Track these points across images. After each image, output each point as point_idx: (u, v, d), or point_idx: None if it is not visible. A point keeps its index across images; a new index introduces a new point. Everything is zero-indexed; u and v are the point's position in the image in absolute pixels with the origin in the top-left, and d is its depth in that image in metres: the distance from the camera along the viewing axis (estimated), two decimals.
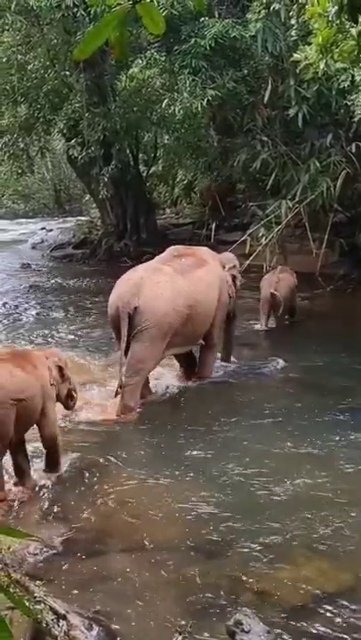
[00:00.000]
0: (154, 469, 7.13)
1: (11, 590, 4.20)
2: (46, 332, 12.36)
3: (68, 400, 7.30)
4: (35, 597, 4.49)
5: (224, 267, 9.97)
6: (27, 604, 4.25)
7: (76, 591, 5.12)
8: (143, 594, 5.13)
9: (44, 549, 5.61)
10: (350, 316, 13.06)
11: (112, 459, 7.37)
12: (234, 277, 10.14)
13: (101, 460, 7.32)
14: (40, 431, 6.80)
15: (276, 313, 12.30)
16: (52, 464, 6.97)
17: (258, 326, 12.18)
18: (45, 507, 6.42)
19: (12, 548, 5.35)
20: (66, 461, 7.12)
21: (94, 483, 6.88)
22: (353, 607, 4.95)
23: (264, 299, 12.10)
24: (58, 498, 6.57)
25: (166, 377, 9.85)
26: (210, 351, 9.89)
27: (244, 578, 5.25)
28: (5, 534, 2.23)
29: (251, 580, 5.22)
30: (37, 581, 4.93)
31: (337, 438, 7.71)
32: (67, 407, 7.45)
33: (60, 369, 6.99)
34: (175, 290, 9.01)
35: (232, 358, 10.46)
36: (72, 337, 11.93)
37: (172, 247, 10.05)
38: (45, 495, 6.61)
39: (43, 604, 4.46)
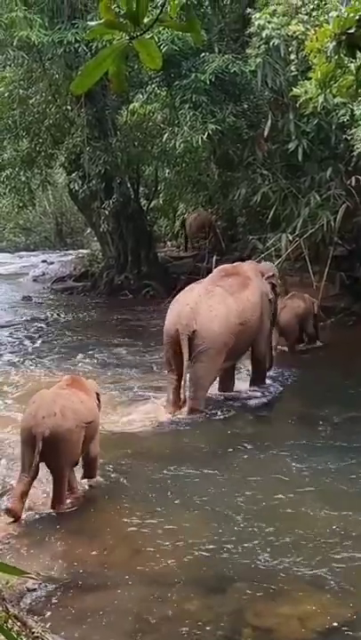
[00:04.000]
0: (154, 503, 7.09)
1: (8, 626, 4.17)
2: (47, 364, 12.35)
3: None
4: (32, 633, 4.46)
5: (263, 275, 10.79)
6: None
7: (74, 626, 5.08)
8: (143, 629, 5.09)
9: (43, 584, 5.55)
10: (351, 349, 13.04)
11: (112, 491, 7.33)
12: (273, 285, 11.15)
13: (102, 493, 7.29)
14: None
15: (287, 339, 12.83)
16: (92, 473, 7.42)
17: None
18: (44, 540, 6.36)
19: (10, 582, 5.30)
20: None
21: (94, 515, 6.85)
22: None
23: None
24: (57, 531, 6.52)
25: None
26: (259, 362, 10.86)
27: (245, 613, 5.21)
28: (1, 570, 2.20)
29: (251, 616, 5.17)
30: (35, 616, 4.89)
31: (341, 473, 7.66)
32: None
33: (98, 396, 7.58)
34: (227, 311, 9.89)
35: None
36: (73, 370, 11.89)
37: (220, 267, 11.04)
38: (45, 528, 6.56)
39: None
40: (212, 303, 9.84)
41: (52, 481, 6.94)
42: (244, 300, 10.16)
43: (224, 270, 10.70)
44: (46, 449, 6.64)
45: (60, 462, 6.84)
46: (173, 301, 10.19)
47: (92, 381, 7.95)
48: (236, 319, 9.92)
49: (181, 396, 9.71)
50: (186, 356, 9.52)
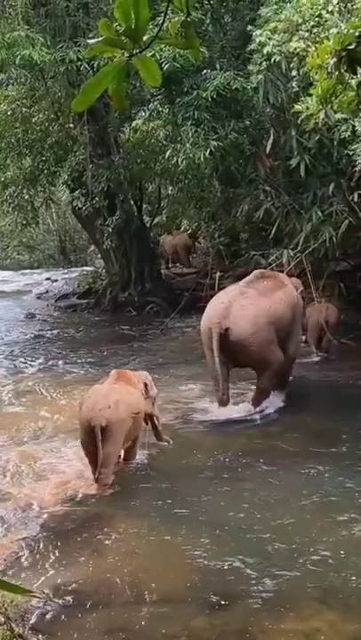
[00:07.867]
0: (161, 518, 7.07)
1: None
2: (51, 379, 12.34)
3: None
4: None
5: (297, 289, 11.37)
6: None
7: None
8: None
9: (48, 602, 5.53)
10: (355, 363, 13.04)
11: (117, 508, 7.31)
12: (304, 298, 11.88)
13: (106, 510, 7.27)
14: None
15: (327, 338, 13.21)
16: (131, 456, 8.37)
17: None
18: (49, 558, 6.34)
19: (14, 601, 5.28)
20: (69, 511, 7.08)
21: (99, 532, 6.82)
22: None
23: (313, 326, 13.03)
24: (62, 548, 6.50)
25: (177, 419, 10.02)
26: (287, 362, 10.83)
27: (251, 630, 5.17)
28: (5, 589, 2.20)
29: (257, 633, 5.14)
30: (40, 635, 4.87)
31: (351, 489, 7.63)
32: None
33: (145, 386, 8.41)
34: (258, 310, 10.19)
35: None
36: (81, 386, 11.88)
37: (257, 270, 11.33)
38: (49, 546, 6.54)
39: None
40: (245, 303, 10.21)
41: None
42: (277, 300, 10.48)
43: (261, 273, 11.05)
44: (103, 437, 7.47)
45: (112, 448, 7.67)
46: (209, 302, 10.66)
47: (145, 372, 8.86)
48: (267, 318, 10.17)
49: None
50: (216, 352, 9.89)
